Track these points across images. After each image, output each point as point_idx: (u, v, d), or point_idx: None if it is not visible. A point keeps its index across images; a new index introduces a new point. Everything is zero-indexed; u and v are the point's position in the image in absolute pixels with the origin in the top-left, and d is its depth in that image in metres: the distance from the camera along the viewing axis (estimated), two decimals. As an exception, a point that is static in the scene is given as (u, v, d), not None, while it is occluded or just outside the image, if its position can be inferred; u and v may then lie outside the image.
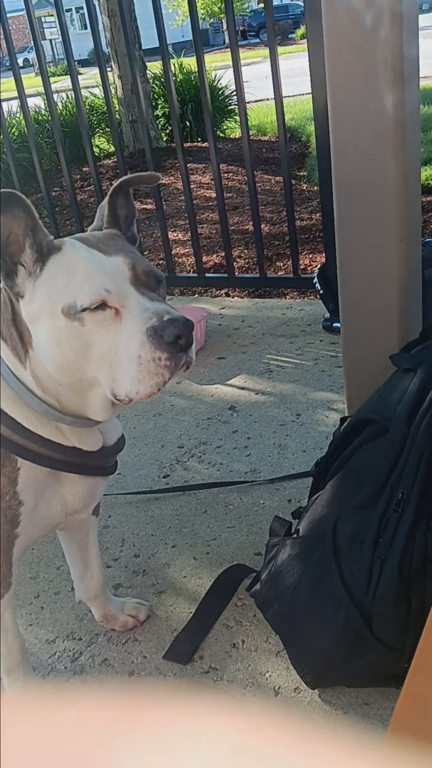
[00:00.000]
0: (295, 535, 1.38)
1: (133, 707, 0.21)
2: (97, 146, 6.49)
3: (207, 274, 3.47)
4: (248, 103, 3.36)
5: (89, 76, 9.84)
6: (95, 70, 3.96)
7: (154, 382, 1.02)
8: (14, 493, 1.11)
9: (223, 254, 3.33)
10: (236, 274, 3.39)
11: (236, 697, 1.31)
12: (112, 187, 1.17)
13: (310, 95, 2.67)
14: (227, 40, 3.04)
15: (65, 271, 1.02)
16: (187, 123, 6.43)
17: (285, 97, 2.89)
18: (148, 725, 0.20)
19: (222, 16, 28.27)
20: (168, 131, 6.50)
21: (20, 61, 3.91)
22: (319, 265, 3.01)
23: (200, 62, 3.00)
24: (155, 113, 6.53)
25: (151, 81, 6.59)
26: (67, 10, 3.40)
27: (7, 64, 3.96)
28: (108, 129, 6.44)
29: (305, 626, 1.29)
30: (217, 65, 7.08)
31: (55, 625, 1.56)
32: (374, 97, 1.59)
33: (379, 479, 1.24)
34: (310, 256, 3.75)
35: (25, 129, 3.85)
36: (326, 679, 1.29)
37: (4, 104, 3.93)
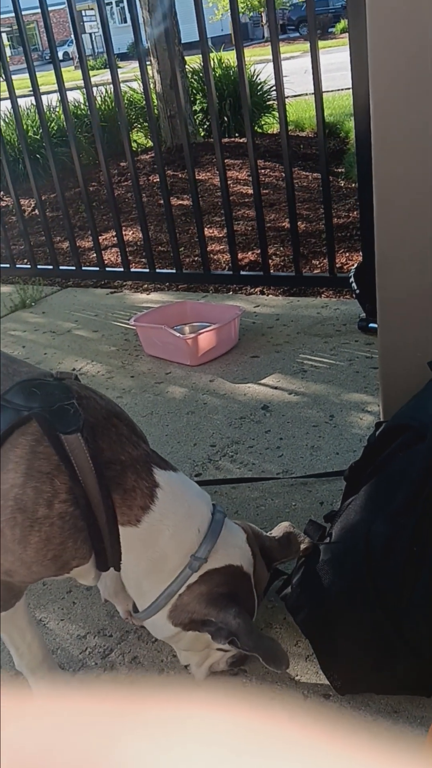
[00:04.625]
0: (327, 540, 1.36)
1: (135, 701, 0.21)
2: (135, 141, 6.51)
3: (242, 272, 3.46)
4: (287, 98, 3.33)
5: (127, 70, 9.87)
6: (133, 64, 3.97)
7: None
8: None
9: (259, 252, 3.32)
10: (271, 272, 3.37)
11: (262, 699, 1.31)
12: None
13: (349, 90, 2.64)
14: (267, 34, 3.02)
15: None
16: (225, 118, 6.41)
17: (324, 92, 2.86)
18: (149, 718, 0.20)
19: (262, 10, 28.12)
20: (206, 126, 6.49)
21: (60, 55, 3.93)
22: (355, 265, 2.98)
23: (240, 57, 2.99)
24: (193, 108, 6.52)
25: (189, 76, 6.58)
26: (107, 4, 3.40)
27: (48, 57, 3.99)
28: (146, 124, 6.46)
29: (336, 632, 1.28)
30: (256, 60, 7.04)
31: (86, 620, 1.56)
32: (419, 93, 1.56)
33: (414, 487, 1.22)
34: (347, 254, 3.71)
35: (64, 123, 3.87)
36: (356, 686, 1.28)
37: (44, 98, 3.95)
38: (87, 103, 3.69)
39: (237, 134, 6.32)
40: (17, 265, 4.23)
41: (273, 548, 1.34)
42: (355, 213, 4.05)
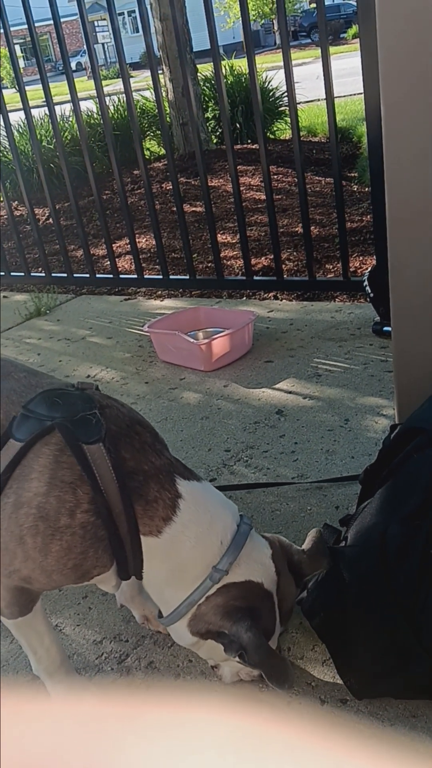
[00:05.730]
0: (343, 544, 1.36)
1: (143, 705, 0.21)
2: (148, 149, 6.54)
3: (255, 277, 3.46)
4: (299, 104, 3.34)
5: (140, 79, 9.93)
6: (145, 73, 4.00)
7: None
8: None
9: (272, 257, 3.32)
10: (285, 276, 3.37)
11: (281, 705, 1.30)
12: None
13: (361, 95, 2.64)
14: (278, 41, 3.03)
15: None
16: (237, 125, 6.42)
17: (336, 97, 2.86)
18: (156, 723, 0.20)
19: (273, 17, 28.22)
20: (218, 133, 6.51)
21: (73, 65, 3.96)
22: (369, 268, 2.98)
23: (251, 64, 3.00)
24: (205, 116, 6.54)
25: (201, 83, 6.61)
26: (119, 14, 3.45)
27: (61, 68, 4.02)
28: (158, 132, 6.49)
29: (352, 635, 1.27)
30: (268, 66, 7.06)
31: (102, 626, 1.57)
32: (430, 97, 1.56)
33: (428, 490, 1.21)
34: (360, 258, 3.71)
35: (78, 133, 3.90)
36: (373, 690, 1.27)
37: (57, 108, 3.99)
38: (100, 113, 3.71)
39: (249, 141, 6.34)
40: (32, 274, 4.27)
41: (302, 562, 1.31)
42: (368, 217, 4.04)
